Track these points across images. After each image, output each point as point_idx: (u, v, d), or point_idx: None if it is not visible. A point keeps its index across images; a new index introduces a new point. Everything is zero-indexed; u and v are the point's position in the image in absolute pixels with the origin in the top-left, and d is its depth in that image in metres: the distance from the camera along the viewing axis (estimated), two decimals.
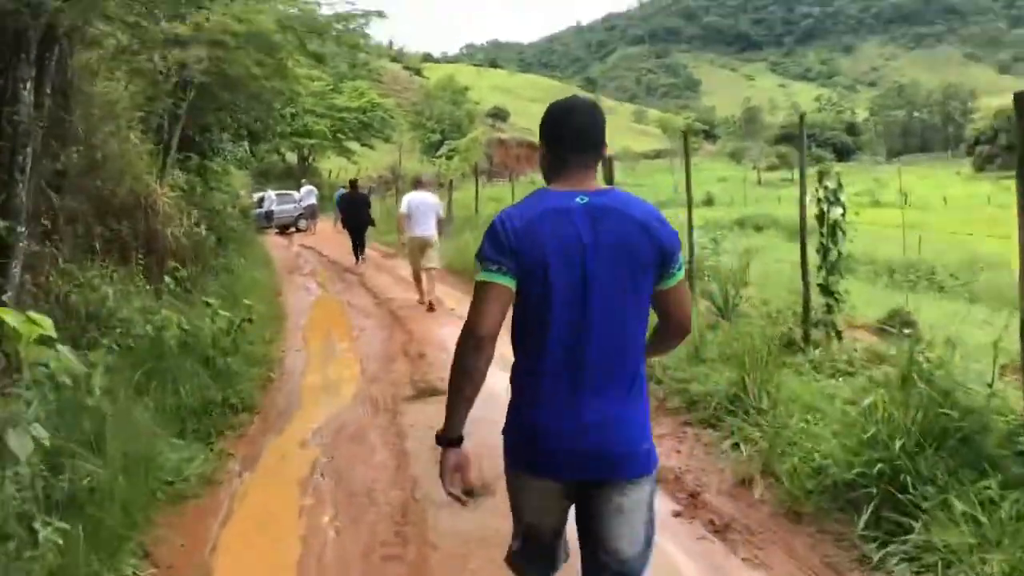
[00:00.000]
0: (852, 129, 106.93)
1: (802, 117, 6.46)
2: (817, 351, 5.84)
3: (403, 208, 10.45)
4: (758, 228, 34.06)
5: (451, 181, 23.54)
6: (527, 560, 2.38)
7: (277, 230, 26.98)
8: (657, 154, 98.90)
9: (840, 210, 5.71)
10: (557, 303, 2.04)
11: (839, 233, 5.80)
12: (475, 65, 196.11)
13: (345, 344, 8.46)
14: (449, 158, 38.74)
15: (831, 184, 5.76)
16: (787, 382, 5.18)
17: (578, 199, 2.09)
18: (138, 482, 3.95)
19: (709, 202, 47.62)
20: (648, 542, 2.21)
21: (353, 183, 17.35)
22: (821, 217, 5.86)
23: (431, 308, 10.00)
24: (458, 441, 2.16)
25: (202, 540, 3.79)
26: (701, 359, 6.12)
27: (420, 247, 10.22)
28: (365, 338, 8.65)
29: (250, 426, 5.63)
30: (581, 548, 2.25)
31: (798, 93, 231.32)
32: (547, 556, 2.37)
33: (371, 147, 44.85)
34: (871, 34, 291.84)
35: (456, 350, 2.09)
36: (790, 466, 4.03)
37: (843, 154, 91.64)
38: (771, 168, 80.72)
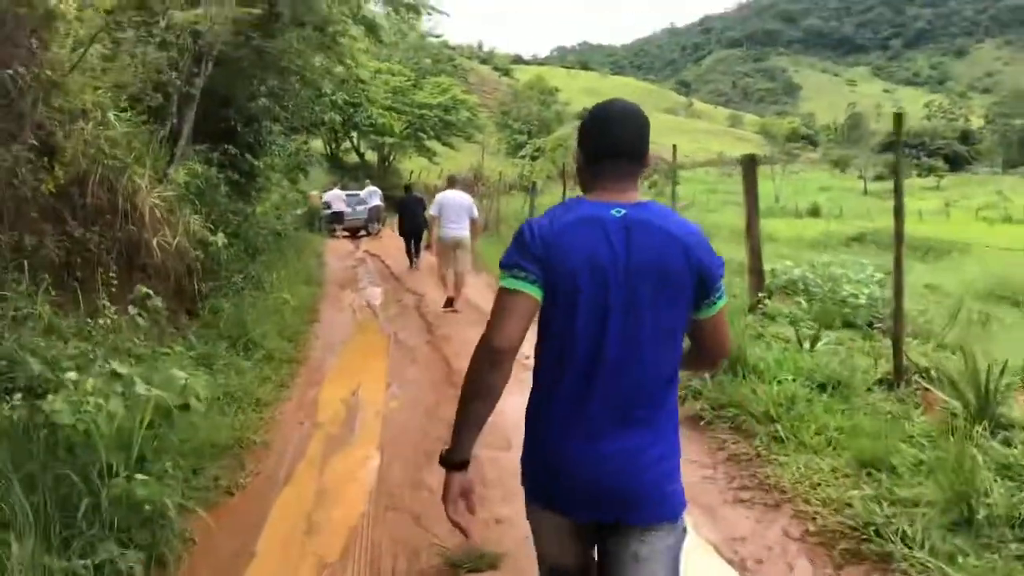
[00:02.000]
0: (966, 137, 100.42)
1: None
2: None
3: (433, 209, 9.97)
4: (881, 246, 30.34)
5: (534, 184, 20.88)
6: None
7: (347, 233, 24.85)
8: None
9: None
10: (580, 323, 1.85)
11: None
12: (566, 67, 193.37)
13: (370, 414, 5.85)
14: (534, 158, 35.98)
15: None
16: None
17: (614, 211, 1.90)
18: None
19: (815, 212, 44.55)
20: None
21: (408, 187, 16.92)
22: None
23: (449, 304, 9.79)
24: (465, 464, 1.99)
25: None
26: (976, 524, 3.27)
27: (452, 247, 9.77)
28: (401, 406, 6.04)
29: None
30: None
31: (905, 99, 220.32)
32: None
33: (452, 147, 42.50)
34: (987, 36, 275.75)
35: (471, 364, 1.90)
36: None
37: (956, 164, 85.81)
38: (878, 178, 75.58)
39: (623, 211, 1.89)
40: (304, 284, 12.01)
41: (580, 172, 2.05)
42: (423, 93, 38.09)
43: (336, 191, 25.91)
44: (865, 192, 69.46)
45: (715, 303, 1.92)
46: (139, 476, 3.56)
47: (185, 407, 3.99)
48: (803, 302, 7.56)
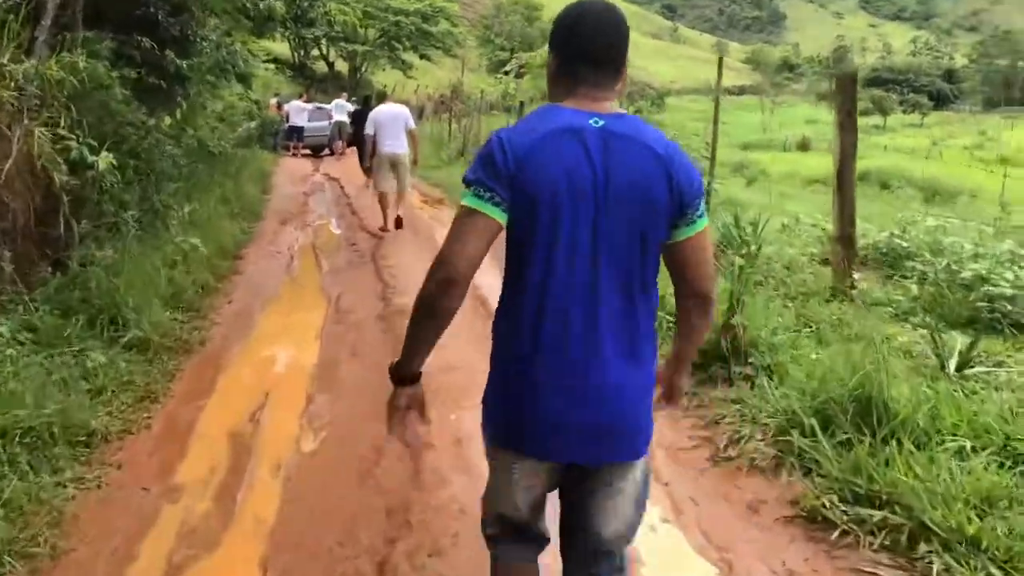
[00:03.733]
0: (950, 76, 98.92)
1: None
2: None
3: (368, 128, 9.41)
4: (885, 186, 28.13)
5: (521, 104, 18.30)
6: (509, 543, 2.00)
7: (308, 151, 22.14)
8: (741, 90, 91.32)
9: None
10: (557, 245, 1.69)
11: None
12: None
13: (267, 468, 3.60)
14: (519, 76, 32.92)
15: None
16: None
17: (592, 120, 1.72)
18: None
19: (804, 146, 42.63)
20: (638, 519, 1.92)
21: (365, 99, 16.10)
22: None
23: (399, 225, 9.43)
24: (416, 377, 1.83)
25: None
26: None
27: (390, 164, 9.28)
28: (321, 450, 3.79)
29: None
30: (561, 523, 1.96)
31: (891, 34, 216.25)
32: (531, 539, 1.99)
33: (430, 60, 39.25)
34: None
35: (424, 285, 1.69)
36: None
37: (940, 102, 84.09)
38: (864, 113, 73.46)
39: (601, 121, 1.72)
40: (233, 219, 9.60)
41: (552, 80, 1.84)
42: None
43: (297, 102, 22.99)
44: None
45: (694, 221, 1.76)
46: None
47: None
48: (912, 287, 5.34)
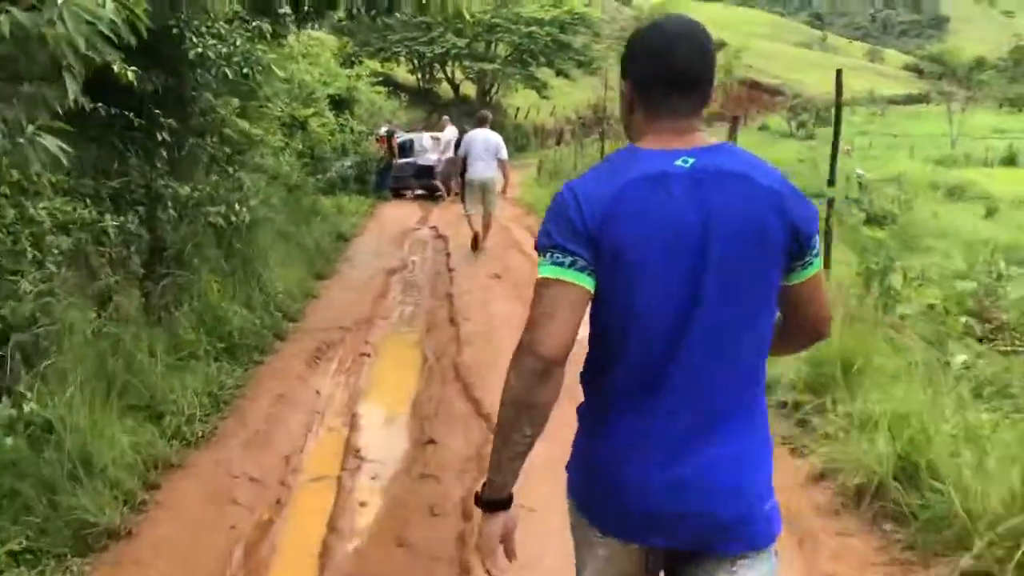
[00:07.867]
0: None
1: None
2: None
3: (461, 150, 9.85)
4: None
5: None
6: None
7: (424, 192, 17.57)
8: (908, 98, 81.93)
9: None
10: (648, 310, 1.43)
11: None
12: None
13: None
14: None
15: None
16: None
17: (679, 160, 1.46)
18: None
19: (1010, 160, 34.88)
20: None
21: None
22: None
23: (475, 246, 9.48)
24: (508, 502, 1.52)
25: None
26: None
27: (479, 189, 9.39)
28: None
29: None
30: None
31: None
32: None
33: (567, 76, 34.45)
34: None
35: (510, 375, 1.43)
36: None
37: None
38: None
39: (690, 159, 1.46)
40: (209, 364, 4.86)
41: (627, 113, 1.57)
42: (532, 6, 30.07)
43: (422, 133, 18.76)
44: None
45: (811, 263, 1.51)
46: None
47: None
48: None
